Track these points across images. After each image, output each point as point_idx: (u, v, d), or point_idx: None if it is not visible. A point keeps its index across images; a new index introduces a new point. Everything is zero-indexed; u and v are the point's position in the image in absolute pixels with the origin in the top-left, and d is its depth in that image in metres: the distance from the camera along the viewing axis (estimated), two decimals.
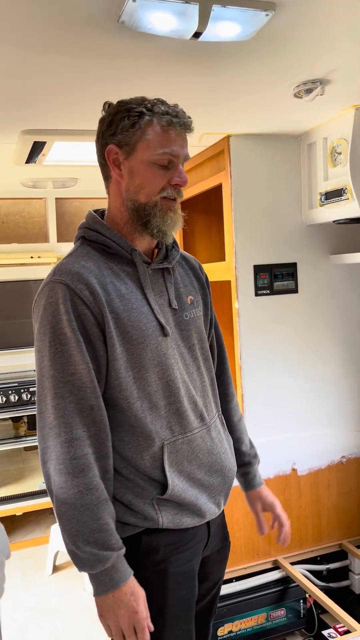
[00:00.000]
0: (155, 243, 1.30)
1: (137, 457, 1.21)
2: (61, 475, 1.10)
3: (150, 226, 1.21)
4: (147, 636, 1.12)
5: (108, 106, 1.23)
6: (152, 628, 1.14)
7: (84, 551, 1.09)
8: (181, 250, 1.43)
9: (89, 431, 1.13)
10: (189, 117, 1.22)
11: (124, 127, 1.18)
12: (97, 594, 1.12)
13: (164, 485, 1.21)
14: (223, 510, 1.40)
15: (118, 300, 1.18)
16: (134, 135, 1.18)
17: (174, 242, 1.33)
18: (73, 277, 1.16)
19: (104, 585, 1.11)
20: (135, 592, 1.12)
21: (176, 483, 1.22)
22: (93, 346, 1.16)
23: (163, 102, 1.20)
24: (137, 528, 1.22)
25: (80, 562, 1.11)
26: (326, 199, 2.21)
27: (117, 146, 1.20)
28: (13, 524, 3.43)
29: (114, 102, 1.23)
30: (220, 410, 1.41)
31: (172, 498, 1.21)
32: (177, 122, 1.18)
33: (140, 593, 1.13)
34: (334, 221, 2.24)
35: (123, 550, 1.13)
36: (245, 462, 1.48)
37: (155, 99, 1.21)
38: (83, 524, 1.09)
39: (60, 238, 3.60)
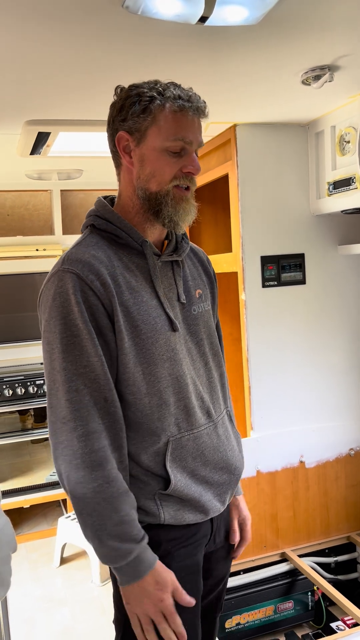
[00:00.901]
0: (165, 234, 1.26)
1: (141, 453, 1.19)
2: (78, 471, 1.08)
3: (161, 215, 1.17)
4: (178, 620, 1.12)
5: (120, 90, 1.18)
6: (192, 602, 1.14)
7: (107, 545, 1.09)
8: (191, 242, 1.40)
9: (104, 423, 1.11)
10: (204, 102, 1.17)
11: (134, 113, 1.13)
12: (121, 583, 1.11)
13: (167, 481, 1.19)
14: (229, 506, 1.38)
15: (128, 293, 1.16)
16: (145, 121, 1.13)
17: (184, 234, 1.30)
18: (84, 267, 1.12)
19: (127, 575, 1.10)
20: (161, 580, 1.11)
21: (179, 478, 1.20)
22: (105, 338, 1.13)
23: (176, 86, 1.15)
24: (140, 523, 1.20)
25: (104, 556, 1.10)
26: (334, 188, 2.18)
27: (128, 133, 1.16)
28: (20, 516, 3.44)
29: (126, 86, 1.18)
30: (229, 406, 1.38)
31: (175, 493, 1.20)
32: (189, 106, 1.13)
33: (168, 579, 1.12)
34: (342, 211, 2.21)
35: (146, 540, 1.12)
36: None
37: (169, 82, 1.16)
38: (105, 517, 1.08)
39: (66, 230, 3.58)
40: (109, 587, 2.68)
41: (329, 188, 2.21)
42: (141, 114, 1.13)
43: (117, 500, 1.09)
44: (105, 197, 1.26)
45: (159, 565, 1.12)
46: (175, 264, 1.26)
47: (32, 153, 2.28)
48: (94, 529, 1.08)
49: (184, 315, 1.25)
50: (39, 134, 2.05)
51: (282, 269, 2.35)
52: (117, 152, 1.19)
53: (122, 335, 1.14)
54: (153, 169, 1.15)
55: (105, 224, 1.21)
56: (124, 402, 1.18)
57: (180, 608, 1.19)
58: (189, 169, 1.16)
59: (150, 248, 1.20)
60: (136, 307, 1.16)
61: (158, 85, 1.15)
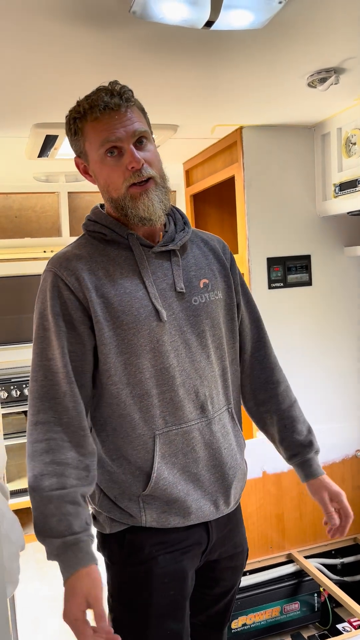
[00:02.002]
0: (158, 226, 1.25)
1: (128, 447, 1.18)
2: (27, 458, 1.13)
3: (130, 218, 1.19)
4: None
5: None
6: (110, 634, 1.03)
7: (42, 539, 1.10)
8: (203, 231, 1.38)
9: (60, 418, 1.13)
10: (119, 94, 1.15)
11: (71, 138, 1.22)
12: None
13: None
14: (237, 515, 1.35)
15: (109, 285, 1.17)
16: (79, 141, 1.20)
17: (185, 223, 1.30)
18: (61, 265, 1.18)
19: (61, 568, 1.10)
20: (74, 589, 1.05)
21: (164, 476, 1.18)
22: (77, 331, 1.16)
23: (92, 94, 1.16)
24: (123, 525, 1.21)
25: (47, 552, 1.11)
26: (340, 190, 2.18)
27: (78, 157, 1.24)
28: (28, 516, 3.45)
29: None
30: (236, 401, 1.34)
31: (157, 493, 1.18)
32: (100, 110, 1.13)
33: (82, 590, 1.04)
34: (348, 213, 2.21)
35: (72, 538, 1.07)
36: (296, 453, 1.38)
37: (92, 91, 1.17)
38: (35, 508, 1.10)
39: (73, 232, 3.60)
40: None
41: (335, 190, 2.22)
42: (74, 136, 1.21)
43: (48, 496, 1.08)
44: (102, 205, 1.30)
45: (83, 574, 1.05)
46: (173, 253, 1.24)
47: (39, 156, 2.30)
48: (34, 512, 1.11)
49: (183, 306, 1.22)
50: (47, 136, 2.07)
51: (288, 271, 2.35)
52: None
53: (101, 326, 1.16)
54: (104, 180, 1.19)
55: (93, 225, 1.25)
56: (108, 393, 1.19)
57: (162, 613, 1.18)
58: (130, 164, 1.14)
59: (137, 239, 1.22)
60: (118, 299, 1.17)
61: (78, 102, 1.18)
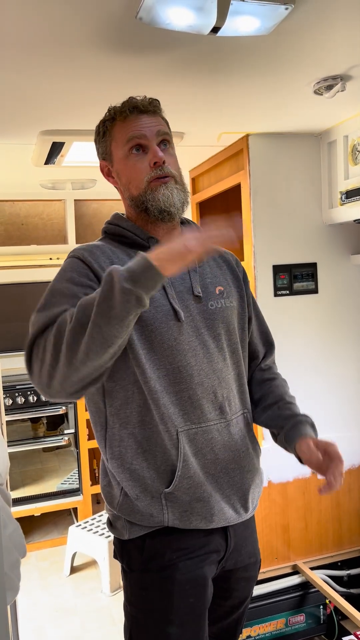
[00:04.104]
0: (175, 232, 1.29)
1: (156, 439, 1.17)
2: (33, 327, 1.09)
3: (150, 211, 1.23)
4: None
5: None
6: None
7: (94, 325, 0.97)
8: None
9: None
10: (147, 100, 1.25)
11: (99, 141, 1.30)
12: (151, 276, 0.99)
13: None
14: (252, 523, 1.34)
15: None
16: (107, 142, 1.28)
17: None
18: (84, 251, 1.21)
19: (141, 276, 0.98)
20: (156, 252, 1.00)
21: (188, 475, 1.18)
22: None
23: (125, 102, 1.25)
24: (143, 529, 1.20)
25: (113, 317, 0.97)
26: (347, 197, 2.17)
27: (103, 159, 1.30)
28: (32, 524, 3.44)
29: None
30: (250, 410, 1.34)
31: (180, 491, 1.17)
32: (130, 110, 1.23)
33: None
34: (354, 220, 2.20)
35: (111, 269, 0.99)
36: (281, 425, 1.31)
37: (126, 99, 1.26)
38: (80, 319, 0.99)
39: (79, 239, 3.61)
40: (119, 597, 2.67)
41: (341, 197, 2.21)
42: (102, 139, 1.29)
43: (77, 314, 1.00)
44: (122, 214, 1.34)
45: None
46: None
47: (46, 163, 2.31)
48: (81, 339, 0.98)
49: (200, 309, 1.25)
50: (53, 144, 2.08)
51: (294, 278, 2.35)
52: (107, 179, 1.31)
53: None
54: (127, 176, 1.25)
55: (113, 228, 1.29)
56: (138, 383, 1.17)
57: (182, 621, 1.16)
58: (153, 159, 1.22)
59: (158, 243, 1.23)
60: None
61: (109, 109, 1.27)
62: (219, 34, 1.23)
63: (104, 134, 1.28)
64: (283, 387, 1.41)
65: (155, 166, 1.21)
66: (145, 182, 1.22)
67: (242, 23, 1.21)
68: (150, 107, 1.24)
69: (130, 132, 1.22)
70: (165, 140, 1.25)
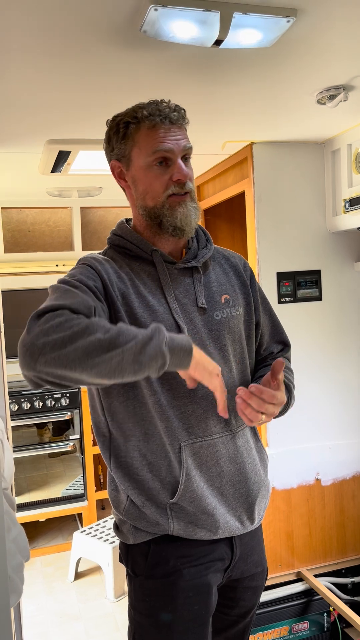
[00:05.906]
0: (182, 243, 1.29)
1: (160, 452, 1.18)
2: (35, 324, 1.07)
3: (164, 226, 1.22)
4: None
5: (107, 122, 1.27)
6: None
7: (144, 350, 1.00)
8: (225, 248, 1.41)
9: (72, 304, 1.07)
10: (177, 110, 1.22)
11: (117, 141, 1.23)
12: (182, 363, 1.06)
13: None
14: (258, 533, 1.34)
15: (134, 295, 1.19)
16: (126, 145, 1.22)
17: (208, 240, 1.33)
18: (93, 259, 1.21)
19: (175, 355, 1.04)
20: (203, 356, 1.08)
21: (192, 488, 1.18)
22: (101, 301, 1.15)
23: (150, 104, 1.21)
24: (148, 535, 1.20)
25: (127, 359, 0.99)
26: (350, 205, 2.19)
27: (117, 160, 1.25)
28: (36, 529, 3.45)
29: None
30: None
31: (184, 503, 1.18)
32: (161, 120, 1.19)
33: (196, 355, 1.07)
34: (358, 228, 2.22)
35: (153, 326, 1.03)
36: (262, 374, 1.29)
37: (150, 101, 1.22)
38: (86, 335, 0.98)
39: (85, 247, 3.64)
40: (123, 603, 2.68)
41: (345, 205, 2.22)
42: (122, 140, 1.22)
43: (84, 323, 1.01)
44: (127, 220, 1.33)
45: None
46: (195, 270, 1.27)
47: (53, 171, 2.34)
48: (83, 356, 0.97)
49: (205, 321, 1.24)
50: (60, 152, 2.11)
51: (298, 285, 2.36)
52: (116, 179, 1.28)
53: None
54: (145, 187, 1.22)
55: (118, 239, 1.28)
56: (141, 395, 1.18)
57: (185, 628, 1.16)
58: (177, 177, 1.19)
59: (161, 256, 1.24)
60: (140, 310, 1.18)
61: (134, 109, 1.21)
62: (222, 46, 1.25)
63: (124, 135, 1.22)
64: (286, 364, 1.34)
65: (178, 182, 1.19)
66: (164, 197, 1.20)
67: (245, 36, 1.23)
68: (181, 121, 1.21)
69: (158, 145, 1.18)
70: (187, 155, 1.23)
